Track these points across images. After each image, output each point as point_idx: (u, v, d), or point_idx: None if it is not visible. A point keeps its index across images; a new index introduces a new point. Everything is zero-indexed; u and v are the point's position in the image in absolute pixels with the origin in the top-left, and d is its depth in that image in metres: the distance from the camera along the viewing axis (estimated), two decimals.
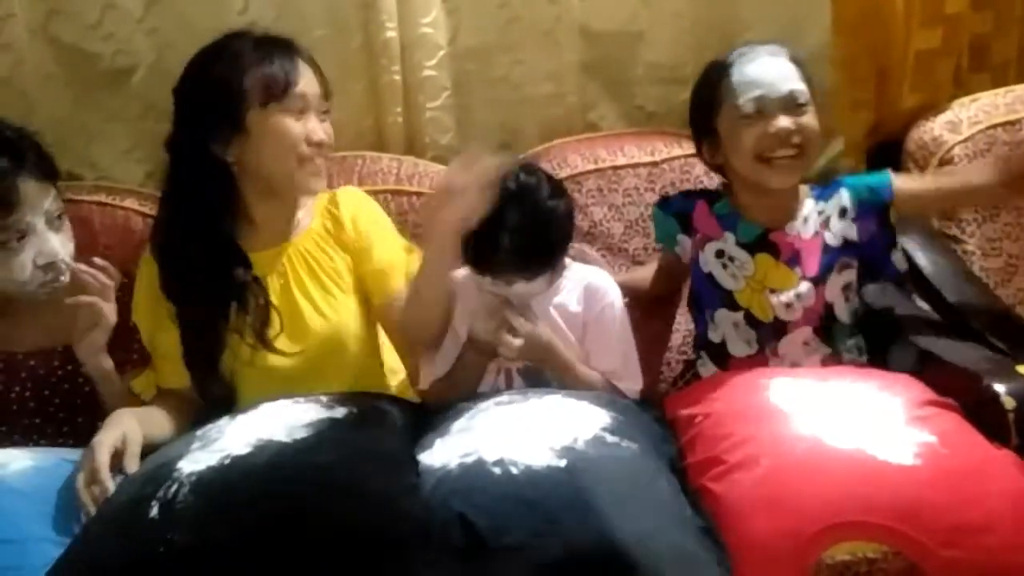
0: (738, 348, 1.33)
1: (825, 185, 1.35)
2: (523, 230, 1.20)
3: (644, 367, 1.35)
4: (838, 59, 1.60)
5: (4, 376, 1.28)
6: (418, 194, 1.56)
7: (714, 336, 1.35)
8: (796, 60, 1.29)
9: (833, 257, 1.31)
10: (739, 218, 1.33)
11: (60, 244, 1.27)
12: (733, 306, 1.33)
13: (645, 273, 1.52)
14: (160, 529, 0.97)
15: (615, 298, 1.33)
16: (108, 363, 1.26)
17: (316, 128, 1.27)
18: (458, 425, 1.13)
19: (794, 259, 1.31)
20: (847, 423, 1.06)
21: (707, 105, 1.32)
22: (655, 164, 1.63)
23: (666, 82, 1.76)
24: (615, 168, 1.63)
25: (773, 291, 1.30)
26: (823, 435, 1.04)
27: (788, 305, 1.30)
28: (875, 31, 1.60)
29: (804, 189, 1.34)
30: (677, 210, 1.39)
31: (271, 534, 0.96)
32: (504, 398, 1.19)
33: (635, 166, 1.63)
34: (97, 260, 1.26)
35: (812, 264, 1.30)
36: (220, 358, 1.26)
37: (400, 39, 1.61)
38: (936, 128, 1.55)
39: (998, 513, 0.97)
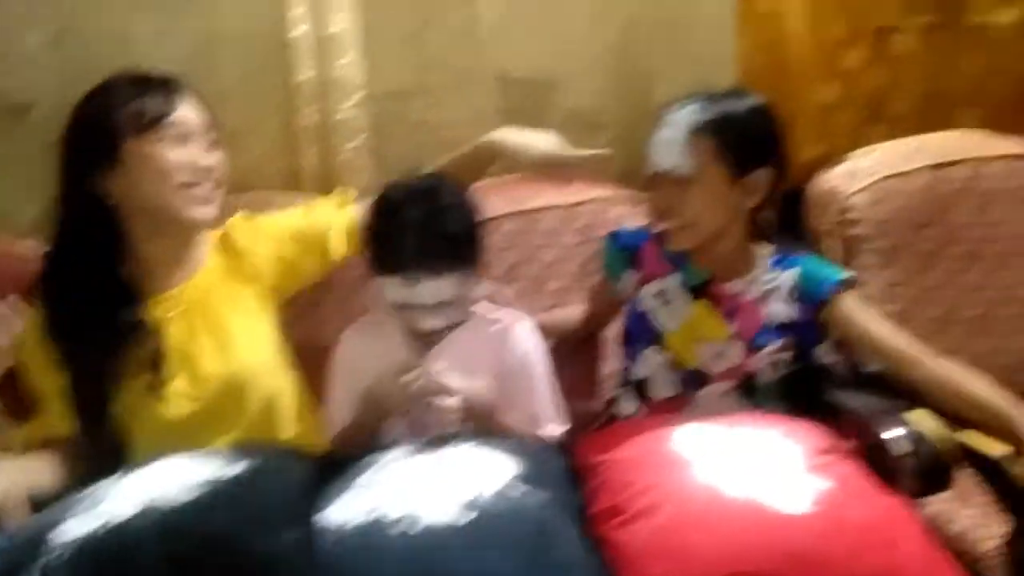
0: (659, 390, 1.35)
1: (786, 255, 1.34)
2: (424, 220, 1.22)
3: (566, 408, 1.35)
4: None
5: None
6: None
7: (638, 373, 1.37)
8: (706, 126, 1.26)
9: (770, 334, 1.31)
10: (687, 261, 1.35)
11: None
12: (662, 347, 1.35)
13: (568, 314, 1.53)
14: None
15: (535, 341, 1.33)
16: None
17: (200, 155, 1.26)
18: (363, 479, 1.10)
19: (731, 314, 1.32)
20: (746, 472, 1.08)
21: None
22: (573, 206, 1.66)
23: (584, 127, 1.79)
24: (533, 210, 1.65)
25: (703, 340, 1.32)
26: (721, 484, 1.06)
27: (714, 357, 1.32)
28: (778, 85, 1.66)
29: (764, 253, 1.34)
30: (626, 244, 1.41)
31: None
32: (414, 447, 1.17)
33: (553, 208, 1.65)
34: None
35: (747, 327, 1.32)
36: (109, 406, 1.21)
37: (315, 81, 1.60)
38: (835, 178, 1.61)
39: (891, 564, 0.99)
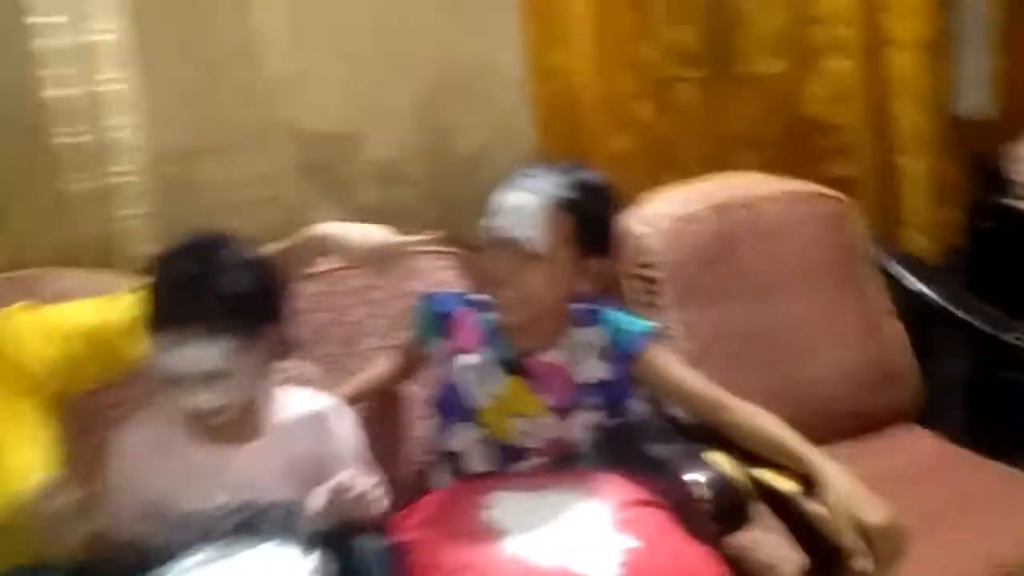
0: (475, 464, 1.30)
1: (590, 310, 1.31)
2: (197, 276, 1.08)
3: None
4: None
5: None
6: None
7: (452, 446, 1.32)
8: (568, 205, 1.20)
9: (581, 396, 1.29)
10: (499, 335, 1.29)
11: None
12: (475, 423, 1.29)
13: (373, 374, 1.46)
14: None
15: (346, 420, 1.24)
16: None
17: None
18: None
19: (544, 387, 1.29)
20: (555, 538, 1.08)
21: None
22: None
23: (389, 180, 1.78)
24: (336, 270, 1.59)
25: (517, 416, 1.28)
26: (531, 555, 1.05)
27: (529, 433, 1.28)
28: (573, 136, 1.71)
29: (570, 312, 1.30)
30: (439, 310, 1.34)
31: None
32: (205, 555, 1.07)
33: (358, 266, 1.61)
34: None
35: (560, 397, 1.29)
36: None
37: (79, 144, 1.46)
38: (630, 221, 1.65)
39: None
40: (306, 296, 1.54)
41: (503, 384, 1.29)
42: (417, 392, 1.48)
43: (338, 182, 1.75)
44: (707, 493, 1.18)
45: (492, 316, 1.29)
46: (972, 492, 1.41)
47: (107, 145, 1.49)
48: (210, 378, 1.08)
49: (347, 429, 1.23)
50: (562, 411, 1.29)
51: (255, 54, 1.61)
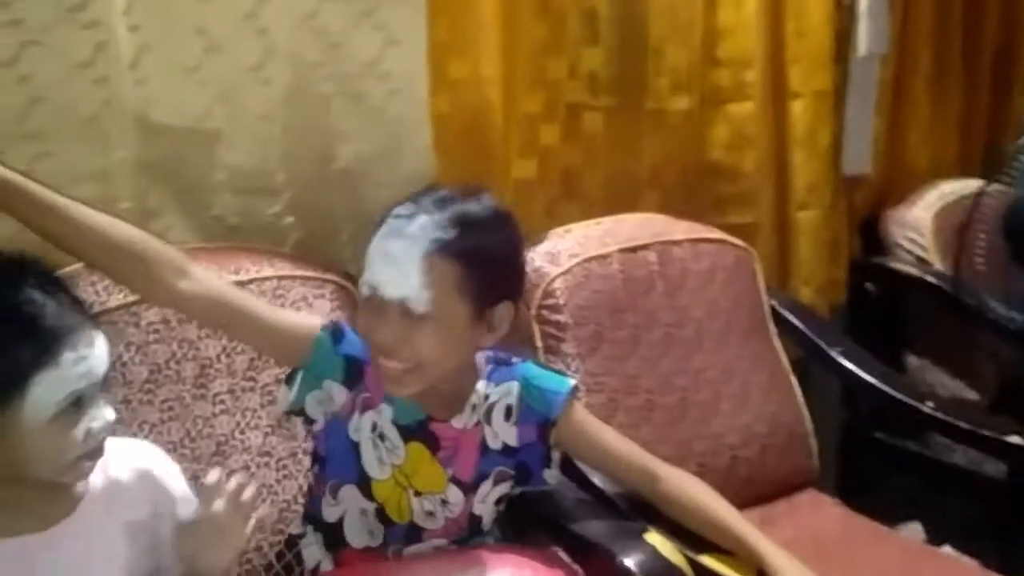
0: (357, 538, 1.08)
1: (500, 363, 1.12)
2: (25, 264, 0.89)
3: None
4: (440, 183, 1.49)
5: None
6: None
7: (330, 515, 1.09)
8: (453, 250, 0.98)
9: (490, 464, 1.10)
10: (398, 398, 1.07)
11: None
12: (367, 493, 1.07)
13: (273, 317, 1.09)
14: None
15: (175, 469, 1.02)
16: None
17: None
18: None
19: (450, 458, 1.09)
20: None
21: None
22: (241, 284, 1.32)
23: (252, 192, 1.49)
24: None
25: (418, 493, 1.08)
26: None
27: (430, 513, 1.08)
28: (475, 156, 1.54)
29: (480, 364, 1.11)
30: (350, 351, 1.07)
31: None
32: None
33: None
34: None
35: (467, 467, 1.09)
36: None
37: None
38: (537, 259, 1.51)
39: None
40: (143, 325, 1.26)
41: (402, 452, 1.08)
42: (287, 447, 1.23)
43: (190, 188, 1.45)
44: (645, 570, 1.04)
45: None
46: (887, 569, 1.36)
47: None
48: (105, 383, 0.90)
49: (181, 481, 1.02)
50: (466, 485, 1.10)
51: (92, 30, 1.29)
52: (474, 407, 1.10)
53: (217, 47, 1.40)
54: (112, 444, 0.94)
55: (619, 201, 1.71)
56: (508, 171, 1.57)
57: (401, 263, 0.97)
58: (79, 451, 0.88)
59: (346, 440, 1.07)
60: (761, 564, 1.08)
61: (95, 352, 0.88)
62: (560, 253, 1.52)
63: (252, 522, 0.95)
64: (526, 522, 1.16)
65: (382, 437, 1.07)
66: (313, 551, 1.10)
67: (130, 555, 0.94)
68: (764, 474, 1.54)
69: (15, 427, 0.84)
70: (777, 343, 1.66)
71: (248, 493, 0.94)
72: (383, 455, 1.07)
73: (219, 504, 0.92)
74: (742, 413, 1.56)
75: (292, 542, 1.17)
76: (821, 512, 1.53)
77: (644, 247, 1.57)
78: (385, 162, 1.52)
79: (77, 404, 0.87)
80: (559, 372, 1.22)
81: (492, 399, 1.10)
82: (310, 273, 1.41)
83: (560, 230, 1.58)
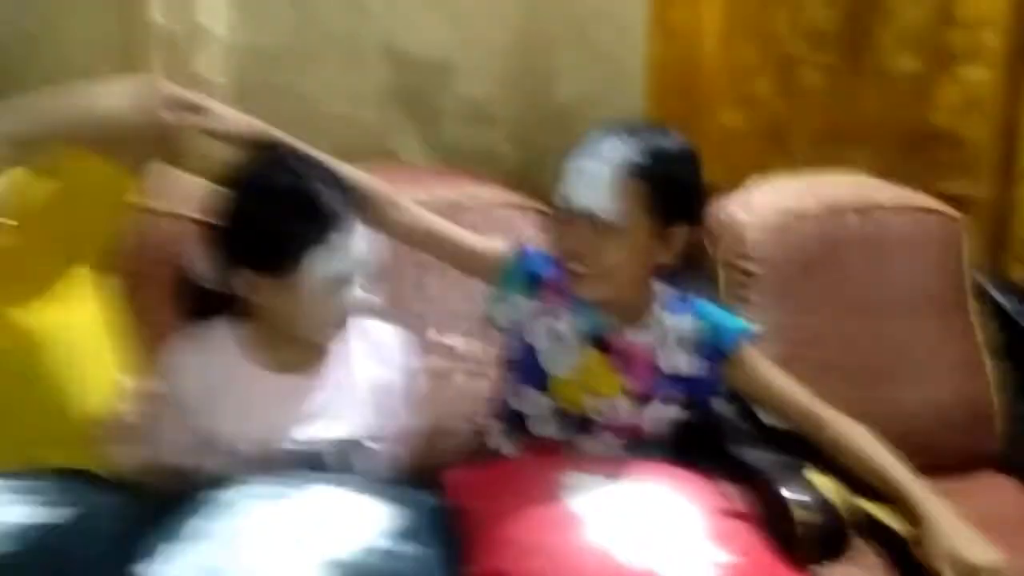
0: (540, 428, 1.22)
1: (684, 298, 1.22)
2: (311, 163, 1.11)
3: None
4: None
5: None
6: (176, 215, 1.33)
7: (516, 406, 1.24)
8: (643, 172, 1.09)
9: (660, 386, 1.20)
10: (585, 304, 1.19)
11: None
12: (547, 391, 1.21)
13: (471, 243, 1.26)
14: None
15: (408, 353, 1.22)
16: None
17: None
18: (192, 526, 0.92)
19: (625, 367, 1.19)
20: (641, 536, 0.98)
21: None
22: (459, 204, 1.49)
23: (476, 121, 1.66)
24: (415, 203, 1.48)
25: (592, 394, 1.20)
26: (614, 549, 0.96)
27: (603, 411, 1.20)
28: (686, 102, 1.60)
29: (660, 293, 1.21)
30: (532, 269, 1.21)
31: None
32: (260, 489, 0.99)
33: (437, 203, 1.46)
34: None
35: (638, 380, 1.20)
36: None
37: (168, 27, 1.36)
38: (733, 207, 1.55)
39: None
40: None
41: (582, 357, 1.20)
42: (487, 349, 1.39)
43: (424, 113, 1.63)
44: (807, 516, 1.09)
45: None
46: None
47: (187, 33, 1.37)
48: (360, 267, 1.10)
49: (408, 364, 1.21)
50: (640, 397, 1.20)
51: None
52: (650, 328, 1.20)
53: None
54: (362, 320, 1.15)
55: (827, 158, 1.69)
56: (715, 118, 1.61)
57: (594, 178, 1.09)
58: (331, 319, 1.09)
59: (529, 344, 1.22)
60: (917, 513, 1.08)
61: (356, 240, 1.08)
62: (758, 203, 1.55)
63: None
64: (689, 443, 1.24)
65: (562, 341, 1.19)
66: (503, 439, 1.26)
67: (370, 408, 1.15)
68: (941, 447, 1.50)
69: (291, 290, 1.06)
70: (975, 320, 1.60)
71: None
72: (562, 358, 1.19)
73: None
74: (924, 384, 1.52)
75: (481, 432, 1.33)
76: (1000, 494, 1.48)
77: (846, 207, 1.56)
78: (600, 102, 1.62)
79: (337, 280, 1.07)
80: (735, 312, 1.29)
81: (668, 327, 1.20)
82: (517, 199, 1.55)
83: (762, 181, 1.60)
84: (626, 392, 1.20)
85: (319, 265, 1.05)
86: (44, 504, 0.94)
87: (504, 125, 1.65)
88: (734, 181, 1.61)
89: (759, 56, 1.63)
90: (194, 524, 0.92)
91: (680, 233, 1.15)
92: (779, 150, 1.70)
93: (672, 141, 1.14)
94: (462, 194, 1.52)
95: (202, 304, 1.12)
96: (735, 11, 1.59)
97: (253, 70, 1.45)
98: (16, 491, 0.95)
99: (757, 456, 1.20)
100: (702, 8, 1.57)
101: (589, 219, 1.10)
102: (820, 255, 1.53)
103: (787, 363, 1.46)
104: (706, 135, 1.61)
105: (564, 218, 1.13)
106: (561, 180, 1.14)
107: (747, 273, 1.51)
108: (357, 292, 1.10)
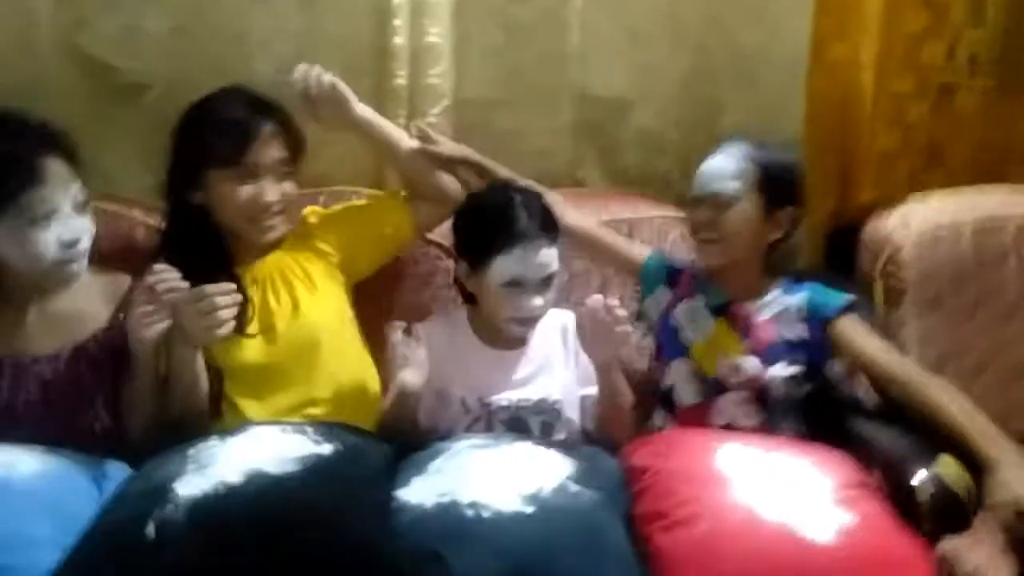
0: (685, 396, 1.49)
1: (795, 282, 1.51)
2: (525, 194, 1.43)
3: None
4: (806, 150, 1.74)
5: (11, 383, 1.33)
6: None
7: (665, 383, 1.52)
8: (754, 160, 1.45)
9: (783, 349, 1.46)
10: (711, 284, 1.52)
11: (84, 227, 1.34)
12: (688, 358, 1.50)
13: (625, 249, 1.63)
14: (155, 549, 1.05)
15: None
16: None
17: (266, 191, 1.43)
18: (436, 464, 1.24)
19: (745, 332, 1.48)
20: (780, 497, 1.19)
21: None
22: (634, 221, 1.76)
23: (649, 150, 1.90)
24: (602, 223, 1.75)
25: (722, 354, 1.47)
26: (757, 506, 1.17)
27: (732, 370, 1.46)
28: (842, 129, 1.75)
29: (776, 281, 1.51)
30: (670, 263, 1.58)
31: (259, 565, 1.04)
32: (479, 441, 1.30)
33: (617, 222, 1.75)
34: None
35: (761, 344, 1.47)
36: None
37: (409, 87, 1.72)
38: (889, 225, 1.68)
39: None
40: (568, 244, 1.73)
41: (712, 325, 1.50)
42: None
43: (606, 144, 1.90)
44: (929, 493, 1.23)
45: (703, 268, 1.52)
46: None
47: (423, 90, 1.73)
48: (546, 282, 1.40)
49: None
50: (760, 355, 1.45)
51: (557, 23, 1.77)
52: (768, 303, 1.48)
53: (640, 37, 1.81)
54: (555, 313, 1.48)
55: (986, 175, 1.77)
56: (873, 143, 1.75)
57: (719, 168, 1.46)
58: (511, 315, 1.41)
59: (669, 327, 1.52)
60: (987, 460, 1.19)
61: (539, 258, 1.38)
62: (913, 219, 1.67)
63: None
64: (817, 418, 1.43)
65: (696, 317, 1.51)
66: (656, 416, 1.52)
67: (561, 381, 1.46)
68: None
69: (482, 284, 1.41)
70: None
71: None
72: (697, 329, 1.50)
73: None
74: None
75: (646, 414, 1.56)
76: None
77: (1002, 221, 1.65)
78: (761, 131, 1.80)
79: (516, 284, 1.38)
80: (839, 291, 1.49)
81: (785, 304, 1.48)
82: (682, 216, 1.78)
83: (919, 197, 1.72)
84: (750, 353, 1.45)
85: (501, 268, 1.37)
86: (317, 442, 1.23)
87: (674, 153, 1.88)
88: (893, 201, 1.74)
89: (915, 85, 1.74)
90: (432, 464, 1.24)
91: (787, 215, 1.47)
92: (937, 171, 1.79)
93: (782, 147, 1.50)
94: (636, 213, 1.78)
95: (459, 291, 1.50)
96: (892, 45, 1.72)
97: (471, 116, 1.79)
98: (295, 432, 1.26)
99: (882, 434, 1.34)
100: (860, 44, 1.72)
101: (714, 198, 1.44)
102: (973, 267, 1.63)
103: (938, 367, 1.59)
104: (864, 158, 1.75)
105: (696, 201, 1.48)
106: (694, 178, 1.48)
107: (900, 284, 1.63)
108: (537, 300, 1.39)
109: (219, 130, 1.41)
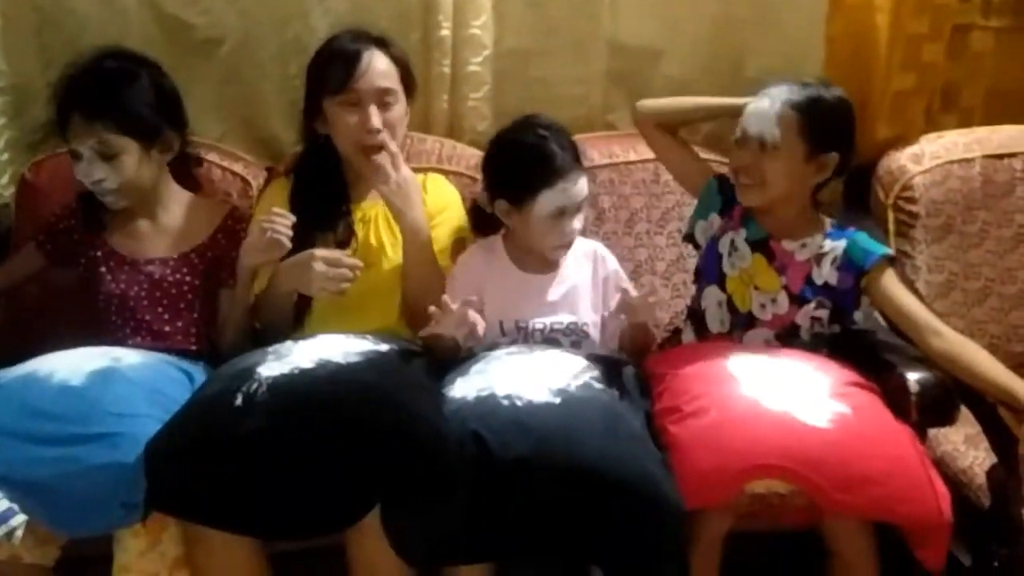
0: (714, 324, 1.58)
1: (839, 228, 1.54)
2: (552, 130, 1.52)
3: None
4: None
5: (128, 276, 1.57)
6: (456, 173, 1.83)
7: (700, 306, 1.61)
8: (797, 106, 1.45)
9: (813, 292, 1.51)
10: (753, 220, 1.57)
11: (100, 172, 1.52)
12: (723, 287, 1.57)
13: (694, 161, 1.68)
14: (241, 414, 1.25)
15: (613, 259, 1.65)
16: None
17: (369, 117, 1.57)
18: (476, 368, 1.41)
19: (782, 269, 1.53)
20: (782, 390, 1.33)
21: None
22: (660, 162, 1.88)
23: (679, 94, 1.99)
24: (627, 163, 1.90)
25: (756, 288, 1.54)
26: (761, 398, 1.32)
27: (763, 305, 1.53)
28: (860, 70, 1.84)
29: (825, 222, 1.55)
30: (727, 192, 1.59)
31: (326, 429, 1.24)
32: (515, 349, 1.47)
33: (644, 162, 1.89)
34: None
35: (794, 282, 1.52)
36: None
37: (452, 37, 1.86)
38: (902, 159, 1.79)
39: (886, 472, 1.25)
40: (597, 182, 1.87)
41: (749, 259, 1.55)
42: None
43: (636, 91, 2.01)
44: (917, 387, 1.37)
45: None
46: None
47: (465, 40, 1.87)
48: (582, 205, 1.54)
49: (616, 265, 1.61)
50: (792, 294, 1.52)
51: None
52: (807, 245, 1.52)
53: None
54: (586, 239, 1.61)
55: (1000, 115, 1.85)
56: (889, 83, 1.83)
57: (763, 111, 1.46)
58: (556, 241, 1.55)
59: (715, 253, 1.59)
60: (1016, 402, 1.31)
61: (577, 187, 1.52)
62: (925, 155, 1.78)
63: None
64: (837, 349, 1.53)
65: (736, 248, 1.56)
66: (688, 335, 1.64)
67: (590, 303, 1.59)
68: None
69: (527, 218, 1.53)
70: None
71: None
72: (735, 261, 1.56)
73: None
74: None
75: (676, 332, 1.72)
76: None
77: (1011, 155, 1.75)
78: (783, 75, 1.90)
79: (560, 214, 1.51)
80: (882, 243, 1.55)
81: (825, 249, 1.52)
82: (712, 157, 1.89)
83: (933, 135, 1.82)
84: (783, 289, 1.53)
85: (547, 201, 1.50)
86: (377, 343, 1.41)
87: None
88: (907, 138, 1.84)
89: (930, 26, 1.81)
90: (474, 367, 1.41)
91: (830, 160, 1.48)
92: (951, 108, 1.88)
93: (828, 90, 1.49)
94: None
95: (486, 223, 1.62)
96: None
97: (509, 64, 1.92)
98: (358, 338, 1.43)
99: (894, 353, 1.46)
100: None
101: (758, 142, 1.46)
102: (981, 197, 1.74)
103: (945, 290, 1.72)
104: (880, 98, 1.84)
105: (739, 143, 1.50)
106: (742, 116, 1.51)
107: (911, 214, 1.76)
108: (576, 224, 1.53)
109: (331, 61, 1.58)
